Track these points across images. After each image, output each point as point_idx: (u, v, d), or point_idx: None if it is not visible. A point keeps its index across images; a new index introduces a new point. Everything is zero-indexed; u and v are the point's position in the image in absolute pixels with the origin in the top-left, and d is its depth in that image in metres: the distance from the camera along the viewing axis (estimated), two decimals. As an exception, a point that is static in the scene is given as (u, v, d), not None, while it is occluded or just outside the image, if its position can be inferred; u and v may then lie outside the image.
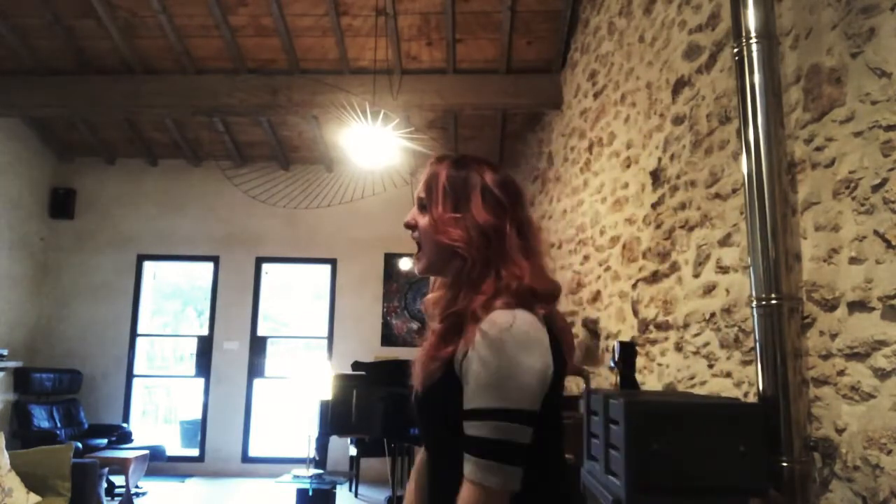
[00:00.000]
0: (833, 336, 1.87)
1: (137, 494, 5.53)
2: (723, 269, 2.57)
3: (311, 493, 4.54)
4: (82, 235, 7.17)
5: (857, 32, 1.80)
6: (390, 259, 7.22)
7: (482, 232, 1.09)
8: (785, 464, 1.88)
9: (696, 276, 2.81)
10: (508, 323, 1.00)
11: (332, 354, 7.00)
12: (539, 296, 1.07)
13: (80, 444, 4.79)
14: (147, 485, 5.80)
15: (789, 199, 2.08)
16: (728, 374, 2.48)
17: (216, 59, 5.72)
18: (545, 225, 5.98)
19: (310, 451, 5.18)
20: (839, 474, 1.81)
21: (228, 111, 6.02)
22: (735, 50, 2.14)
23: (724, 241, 2.56)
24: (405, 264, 7.20)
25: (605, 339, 4.16)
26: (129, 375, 6.98)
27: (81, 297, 7.03)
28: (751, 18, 2.09)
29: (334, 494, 4.69)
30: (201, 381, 7.03)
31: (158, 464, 5.95)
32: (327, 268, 7.27)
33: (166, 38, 5.47)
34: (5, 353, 5.95)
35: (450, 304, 1.11)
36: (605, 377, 4.06)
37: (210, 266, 7.23)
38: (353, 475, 6.01)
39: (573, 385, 4.57)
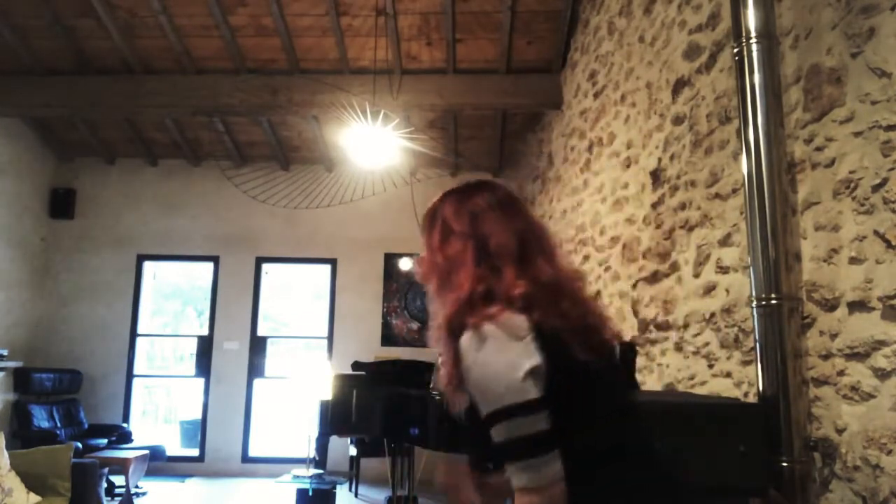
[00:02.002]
0: (833, 336, 1.87)
1: (137, 494, 5.53)
2: (723, 269, 2.57)
3: (311, 493, 4.54)
4: (82, 235, 7.17)
5: (857, 32, 1.80)
6: (390, 259, 7.21)
7: (435, 266, 1.20)
8: (785, 464, 1.88)
9: (696, 276, 2.81)
10: (469, 337, 1.06)
11: (332, 354, 7.00)
12: (505, 299, 1.09)
13: (80, 444, 4.79)
14: (147, 485, 5.80)
15: (789, 199, 2.08)
16: (728, 374, 2.48)
17: (216, 59, 5.72)
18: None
19: (310, 451, 5.18)
20: (839, 474, 1.81)
21: (228, 111, 6.01)
22: (735, 50, 2.14)
23: (724, 241, 2.56)
24: (405, 264, 7.20)
25: (605, 339, 4.15)
26: (129, 375, 6.98)
27: (81, 297, 7.03)
28: (751, 18, 2.09)
29: (334, 494, 4.69)
30: (201, 381, 7.03)
31: (158, 464, 5.95)
32: (327, 268, 7.27)
33: (166, 38, 5.47)
34: (5, 353, 5.95)
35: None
36: (605, 377, 4.05)
37: (210, 266, 7.23)
38: (353, 475, 6.01)
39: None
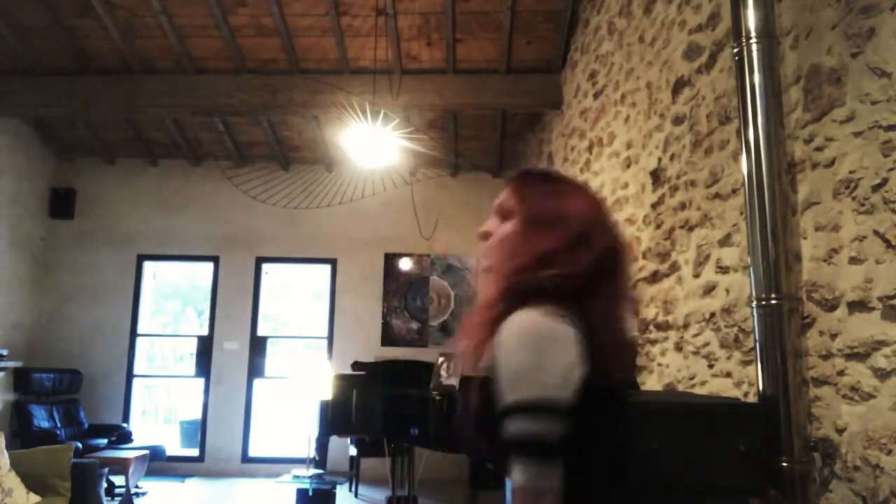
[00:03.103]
0: (833, 336, 1.87)
1: (137, 494, 5.53)
2: (723, 269, 2.57)
3: (311, 493, 4.54)
4: (82, 235, 7.17)
5: (857, 32, 1.80)
6: (390, 259, 7.21)
7: None
8: (785, 464, 1.88)
9: (696, 276, 2.81)
10: (518, 321, 1.00)
11: (332, 354, 7.00)
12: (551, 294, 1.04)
13: (80, 444, 4.79)
14: (147, 485, 5.80)
15: (789, 199, 2.08)
16: (728, 374, 2.48)
17: (216, 59, 5.71)
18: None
19: (310, 451, 5.17)
20: (839, 474, 1.81)
21: (228, 111, 6.01)
22: (735, 50, 2.14)
23: (724, 241, 2.56)
24: (405, 264, 7.20)
25: (605, 339, 4.15)
26: (129, 375, 6.98)
27: (81, 297, 7.03)
28: (751, 18, 2.08)
29: (334, 494, 4.69)
30: (201, 381, 7.03)
31: (158, 464, 5.95)
32: (327, 268, 7.27)
33: (166, 38, 5.47)
34: (5, 353, 5.95)
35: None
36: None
37: (210, 266, 7.23)
38: (353, 475, 6.01)
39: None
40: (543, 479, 0.95)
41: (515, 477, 0.96)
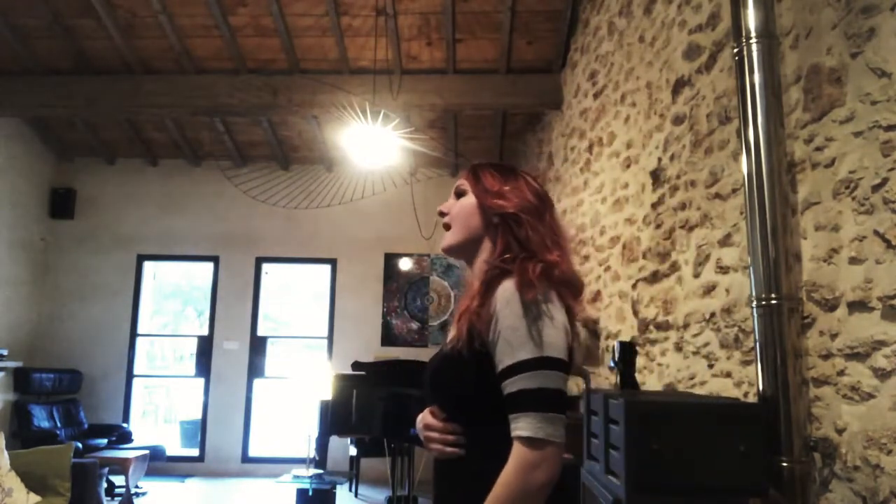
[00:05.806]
0: (833, 336, 1.87)
1: (137, 494, 5.53)
2: (723, 269, 2.57)
3: (311, 493, 4.54)
4: (82, 235, 7.17)
5: (857, 32, 1.80)
6: (390, 259, 7.21)
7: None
8: (785, 464, 1.88)
9: (696, 276, 2.81)
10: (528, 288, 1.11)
11: (332, 354, 7.00)
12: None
13: (80, 444, 4.79)
14: (147, 485, 5.80)
15: (789, 199, 2.08)
16: (728, 374, 2.48)
17: (216, 59, 5.72)
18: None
19: (310, 451, 5.18)
20: (839, 474, 1.81)
21: (228, 111, 6.01)
22: (735, 50, 2.14)
23: (724, 241, 2.56)
24: (405, 264, 7.20)
25: (605, 339, 4.16)
26: (129, 375, 6.98)
27: (81, 297, 7.03)
28: (751, 18, 2.08)
29: (334, 494, 4.69)
30: (201, 381, 7.03)
31: (158, 464, 5.95)
32: (327, 268, 7.27)
33: (166, 38, 5.47)
34: (5, 353, 5.95)
35: None
36: (604, 377, 4.06)
37: (210, 266, 7.23)
38: (353, 475, 6.01)
39: (573, 385, 4.57)
40: (561, 431, 1.03)
41: (532, 431, 1.00)
